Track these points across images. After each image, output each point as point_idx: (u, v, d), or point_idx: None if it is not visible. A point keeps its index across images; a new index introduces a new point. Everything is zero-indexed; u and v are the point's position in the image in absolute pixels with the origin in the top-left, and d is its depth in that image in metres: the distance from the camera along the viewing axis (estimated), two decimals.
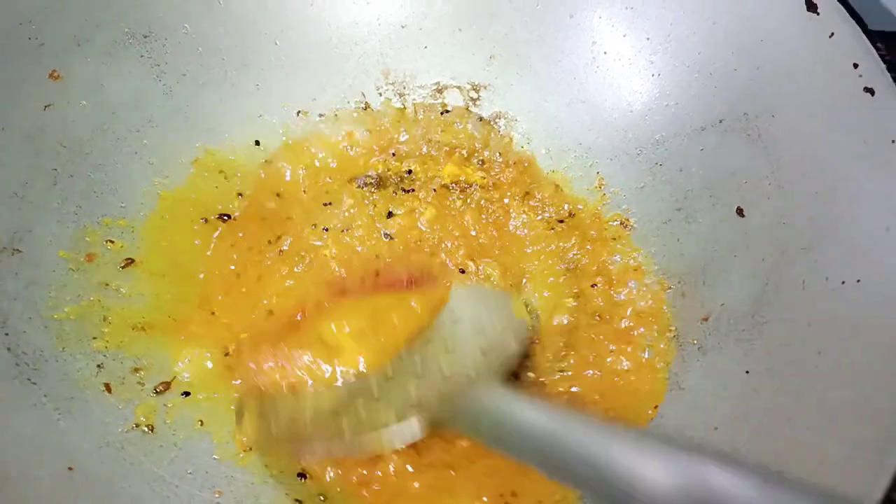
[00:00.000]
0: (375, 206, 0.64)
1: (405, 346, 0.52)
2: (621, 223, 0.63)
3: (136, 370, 0.55)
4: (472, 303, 0.56)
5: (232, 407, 0.55)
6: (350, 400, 0.50)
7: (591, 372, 0.57)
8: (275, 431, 0.51)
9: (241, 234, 0.62)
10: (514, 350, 0.54)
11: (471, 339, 0.53)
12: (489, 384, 0.49)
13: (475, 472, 0.52)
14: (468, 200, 0.65)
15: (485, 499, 0.51)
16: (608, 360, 0.57)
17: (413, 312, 0.54)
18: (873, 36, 0.49)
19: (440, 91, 0.68)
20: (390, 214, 0.64)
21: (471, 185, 0.65)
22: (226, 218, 0.63)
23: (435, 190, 0.65)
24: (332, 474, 0.52)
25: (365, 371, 0.51)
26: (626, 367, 0.56)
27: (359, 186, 0.64)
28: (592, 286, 0.61)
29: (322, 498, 0.52)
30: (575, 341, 0.59)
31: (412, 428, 0.48)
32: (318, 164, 0.66)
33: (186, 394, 0.55)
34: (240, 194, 0.64)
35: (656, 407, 0.54)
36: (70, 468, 0.48)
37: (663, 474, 0.35)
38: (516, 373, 0.57)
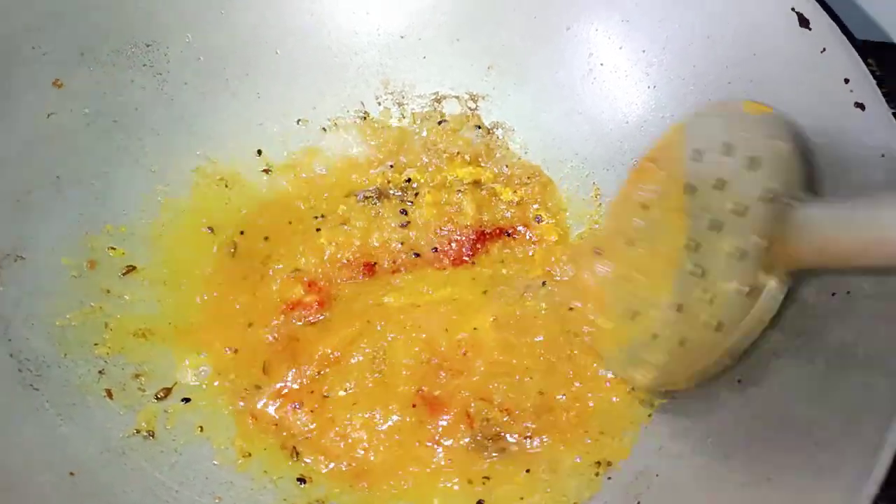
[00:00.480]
0: (378, 213, 0.65)
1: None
2: None
3: (137, 376, 0.55)
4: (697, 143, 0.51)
5: None
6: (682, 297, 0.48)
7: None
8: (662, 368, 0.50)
9: (240, 245, 0.63)
10: (786, 148, 0.47)
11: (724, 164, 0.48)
12: (793, 199, 0.44)
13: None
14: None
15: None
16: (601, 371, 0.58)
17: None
18: (864, 52, 0.50)
19: (439, 101, 0.69)
20: (404, 212, 0.65)
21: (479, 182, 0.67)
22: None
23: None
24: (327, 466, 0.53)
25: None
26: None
27: (359, 201, 0.65)
28: None
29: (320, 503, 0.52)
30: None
31: (770, 288, 0.45)
32: (317, 175, 0.67)
33: (187, 400, 0.56)
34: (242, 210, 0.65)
35: (650, 415, 0.55)
36: (72, 473, 0.48)
37: None
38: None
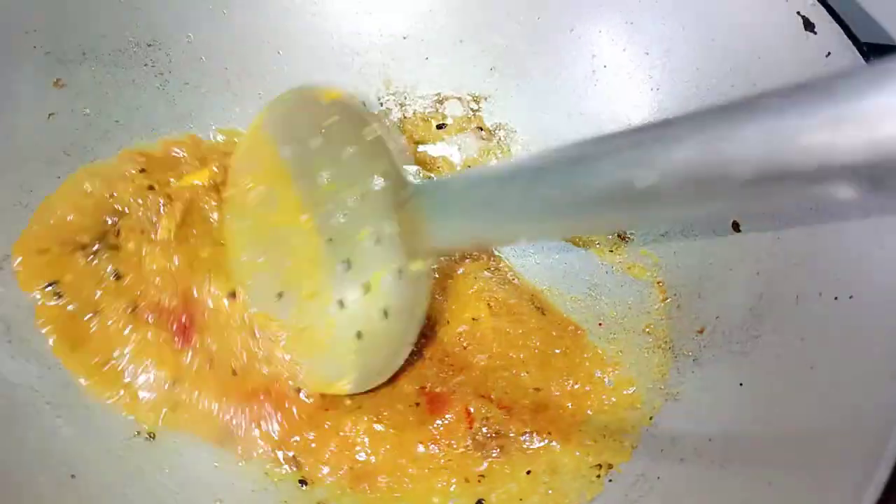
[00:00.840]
0: None
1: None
2: (619, 235, 0.63)
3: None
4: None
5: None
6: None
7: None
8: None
9: None
10: (375, 134, 0.48)
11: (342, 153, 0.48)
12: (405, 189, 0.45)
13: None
14: None
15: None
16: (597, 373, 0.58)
17: None
18: (869, 55, 0.49)
19: (441, 102, 0.69)
20: None
21: None
22: None
23: None
24: (327, 471, 0.53)
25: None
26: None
27: None
28: None
29: None
30: None
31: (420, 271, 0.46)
32: None
33: None
34: None
35: (651, 418, 0.55)
36: (72, 475, 0.48)
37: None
38: None
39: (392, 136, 0.48)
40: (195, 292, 0.55)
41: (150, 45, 0.63)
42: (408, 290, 0.47)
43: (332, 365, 0.52)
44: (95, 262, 0.55)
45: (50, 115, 0.58)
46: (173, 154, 0.61)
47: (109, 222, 0.57)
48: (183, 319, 0.55)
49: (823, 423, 0.45)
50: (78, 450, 0.50)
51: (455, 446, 0.54)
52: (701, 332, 0.56)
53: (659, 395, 0.56)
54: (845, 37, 0.50)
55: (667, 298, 0.60)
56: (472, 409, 0.56)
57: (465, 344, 0.59)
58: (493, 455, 0.54)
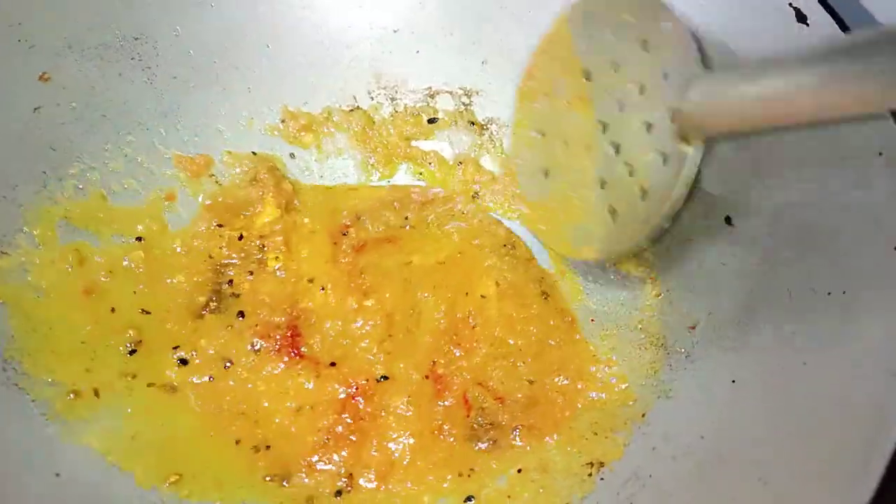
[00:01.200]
0: None
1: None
2: None
3: (125, 375, 0.55)
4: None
5: None
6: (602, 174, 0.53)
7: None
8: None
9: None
10: (670, 28, 0.50)
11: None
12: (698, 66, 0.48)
13: None
14: None
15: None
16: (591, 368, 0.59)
17: None
18: None
19: (432, 96, 0.68)
20: None
21: None
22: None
23: None
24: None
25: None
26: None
27: None
28: None
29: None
30: None
31: (686, 152, 0.48)
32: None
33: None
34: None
35: (644, 415, 0.54)
36: (57, 474, 0.48)
37: None
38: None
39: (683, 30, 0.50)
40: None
41: (136, 39, 0.62)
42: (670, 173, 0.49)
43: (582, 233, 0.56)
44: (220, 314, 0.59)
45: (36, 108, 0.57)
46: (237, 195, 0.64)
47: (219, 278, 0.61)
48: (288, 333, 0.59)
49: (816, 420, 0.45)
50: (63, 449, 0.49)
51: (454, 433, 0.55)
52: (693, 328, 0.56)
53: (651, 392, 0.55)
54: (838, 28, 0.50)
55: (659, 294, 0.59)
56: (469, 398, 0.56)
57: (473, 323, 0.60)
58: (484, 447, 0.54)
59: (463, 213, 0.66)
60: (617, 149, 0.52)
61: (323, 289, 0.61)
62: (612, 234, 0.54)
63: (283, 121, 0.67)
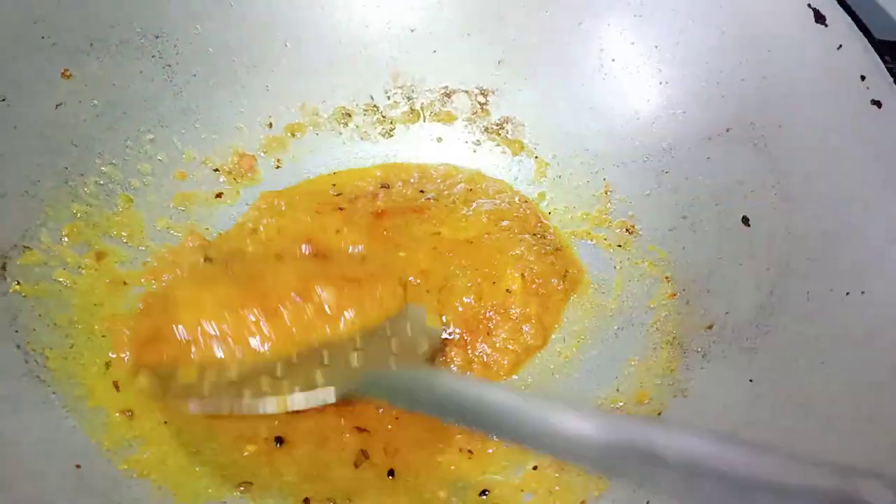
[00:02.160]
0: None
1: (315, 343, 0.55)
2: (626, 230, 0.63)
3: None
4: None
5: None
6: (252, 374, 0.52)
7: None
8: (171, 392, 0.52)
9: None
10: (423, 350, 0.55)
11: (382, 339, 0.55)
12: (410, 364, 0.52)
13: None
14: None
15: None
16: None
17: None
18: (881, 48, 0.49)
19: (448, 95, 0.69)
20: None
21: None
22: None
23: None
24: None
25: (268, 355, 0.53)
26: None
27: None
28: None
29: None
30: None
31: (324, 394, 0.51)
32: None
33: None
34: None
35: (660, 413, 0.54)
36: (78, 466, 0.48)
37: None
38: None
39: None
40: None
41: (157, 37, 0.62)
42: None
43: None
44: None
45: (58, 105, 0.58)
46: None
47: None
48: None
49: (834, 420, 0.45)
50: (83, 440, 0.50)
51: None
52: (710, 327, 0.56)
53: (667, 391, 0.55)
54: (857, 29, 0.50)
55: (675, 294, 0.59)
56: None
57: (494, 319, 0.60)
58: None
59: (488, 192, 0.66)
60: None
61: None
62: None
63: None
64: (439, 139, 0.69)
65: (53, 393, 0.51)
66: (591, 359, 0.59)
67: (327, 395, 0.51)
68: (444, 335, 0.59)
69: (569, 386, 0.58)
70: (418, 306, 0.59)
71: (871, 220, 0.48)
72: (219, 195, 0.64)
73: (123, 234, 0.60)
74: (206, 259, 0.61)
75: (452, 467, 0.54)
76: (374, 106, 0.69)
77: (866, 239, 0.48)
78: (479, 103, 0.68)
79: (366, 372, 0.52)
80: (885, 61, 0.49)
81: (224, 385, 0.52)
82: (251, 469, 0.52)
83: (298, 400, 0.51)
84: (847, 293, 0.48)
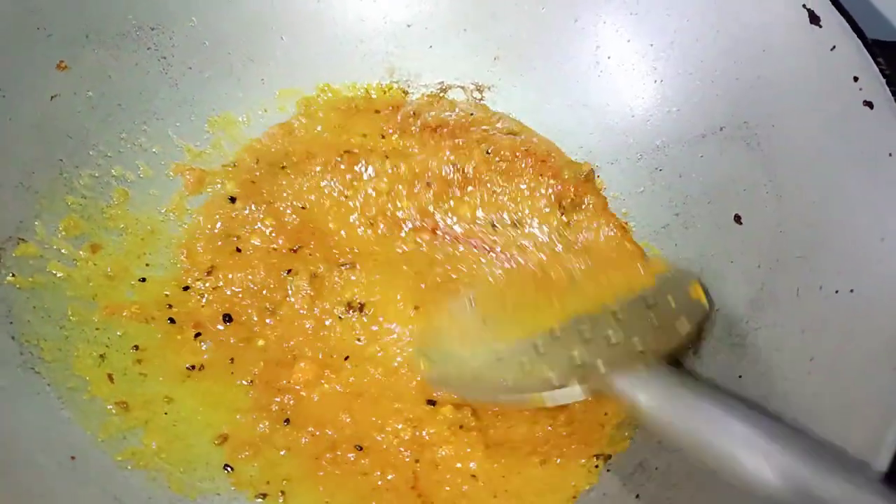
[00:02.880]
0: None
1: (576, 313, 0.55)
2: (621, 227, 0.63)
3: (139, 361, 0.55)
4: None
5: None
6: (515, 354, 0.54)
7: None
8: (445, 373, 0.56)
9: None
10: (687, 330, 0.54)
11: (643, 312, 0.54)
12: (652, 362, 0.51)
13: None
14: None
15: None
16: None
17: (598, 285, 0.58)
18: (874, 50, 0.49)
19: (444, 91, 0.69)
20: None
21: None
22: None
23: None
24: None
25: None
26: None
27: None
28: None
29: None
30: None
31: (573, 392, 0.51)
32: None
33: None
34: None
35: None
36: (73, 457, 0.48)
37: (776, 475, 0.41)
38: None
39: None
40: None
41: (153, 29, 0.62)
42: (542, 390, 0.52)
43: (449, 359, 0.57)
44: None
45: (53, 97, 0.58)
46: None
47: None
48: None
49: (822, 415, 0.45)
50: (78, 432, 0.50)
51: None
52: None
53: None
54: (851, 31, 0.50)
55: None
56: None
57: None
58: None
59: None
60: (541, 353, 0.54)
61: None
62: (468, 383, 0.56)
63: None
64: None
65: (48, 384, 0.51)
66: None
67: (575, 393, 0.51)
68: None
69: None
70: (682, 271, 0.58)
71: (861, 219, 0.49)
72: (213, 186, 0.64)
73: (120, 226, 0.60)
74: None
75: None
76: (372, 97, 0.69)
77: (856, 237, 0.49)
78: (475, 99, 0.69)
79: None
80: (877, 62, 0.49)
81: (490, 364, 0.54)
82: None
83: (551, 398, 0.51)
84: (836, 291, 0.48)
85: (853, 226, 0.49)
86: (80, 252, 0.57)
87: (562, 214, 0.63)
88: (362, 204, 0.64)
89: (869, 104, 0.49)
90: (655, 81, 0.63)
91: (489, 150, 0.64)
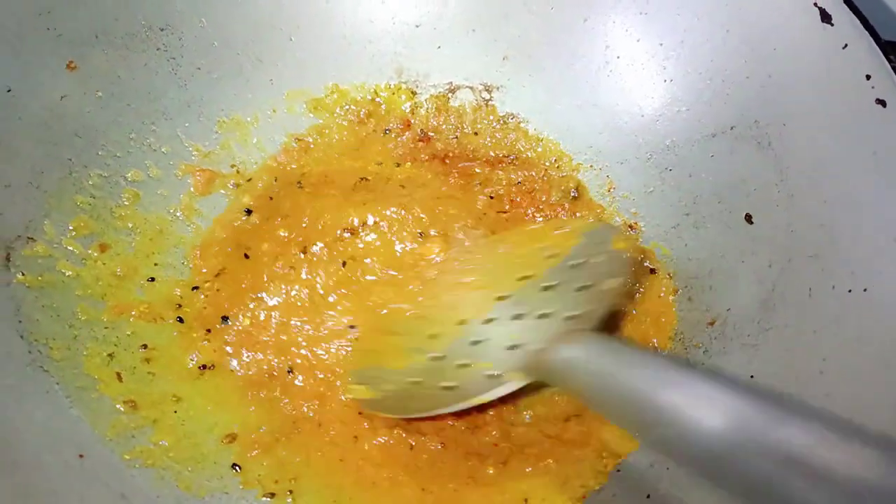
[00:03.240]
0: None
1: (500, 296, 0.53)
2: (630, 227, 0.63)
3: (147, 360, 0.55)
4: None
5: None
6: (453, 353, 0.52)
7: None
8: (380, 398, 0.54)
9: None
10: (612, 286, 0.53)
11: (571, 276, 0.53)
12: (586, 327, 0.49)
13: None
14: None
15: None
16: None
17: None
18: (886, 48, 0.49)
19: (453, 91, 0.69)
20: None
21: None
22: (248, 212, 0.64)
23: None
24: None
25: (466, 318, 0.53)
26: None
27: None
28: None
29: None
30: None
31: (510, 386, 0.50)
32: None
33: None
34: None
35: None
36: (81, 455, 0.48)
37: (723, 420, 0.37)
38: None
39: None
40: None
41: (162, 30, 0.62)
42: (487, 387, 0.50)
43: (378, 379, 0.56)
44: None
45: (62, 97, 0.58)
46: None
47: None
48: None
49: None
50: (86, 430, 0.50)
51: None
52: (712, 324, 0.56)
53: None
54: (863, 28, 0.50)
55: (678, 290, 0.60)
56: None
57: None
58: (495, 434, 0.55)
59: None
60: (476, 343, 0.52)
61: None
62: (399, 398, 0.55)
63: None
64: None
65: (57, 383, 0.51)
66: None
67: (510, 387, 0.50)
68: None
69: None
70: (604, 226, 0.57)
71: (873, 219, 0.48)
72: (221, 186, 0.65)
73: (129, 226, 0.60)
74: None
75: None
76: (378, 101, 0.69)
77: (868, 237, 0.48)
78: (484, 99, 0.69)
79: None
80: (890, 61, 0.49)
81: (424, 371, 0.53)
82: None
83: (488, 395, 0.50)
84: (849, 290, 0.48)
85: (865, 225, 0.49)
86: (90, 251, 0.57)
87: None
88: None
89: (882, 102, 0.48)
90: (665, 81, 0.63)
91: (492, 196, 0.65)
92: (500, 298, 0.53)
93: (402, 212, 0.62)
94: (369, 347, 0.58)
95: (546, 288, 0.52)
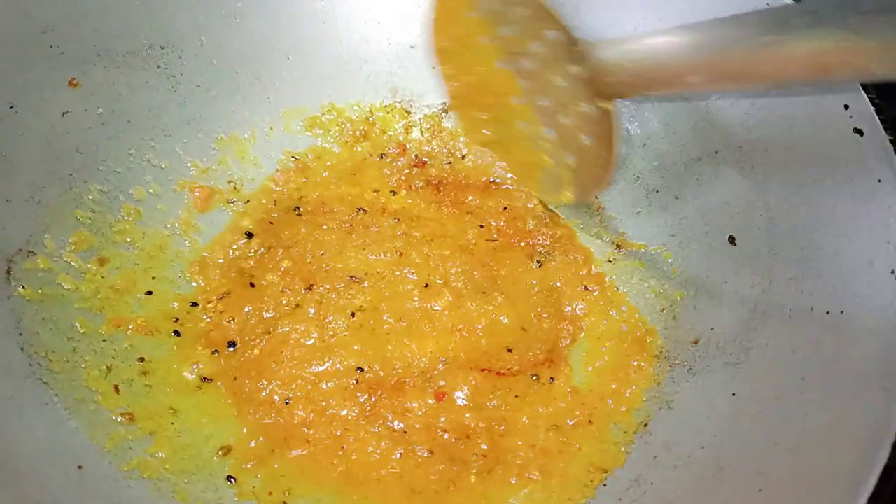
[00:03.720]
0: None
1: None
2: (616, 246, 0.65)
3: (144, 373, 0.56)
4: None
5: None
6: None
7: None
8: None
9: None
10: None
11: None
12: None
13: None
14: None
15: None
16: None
17: None
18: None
19: (446, 111, 0.70)
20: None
21: None
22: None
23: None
24: None
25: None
26: None
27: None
28: None
29: None
30: None
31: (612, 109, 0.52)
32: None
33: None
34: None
35: (646, 425, 0.56)
36: (79, 467, 0.49)
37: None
38: None
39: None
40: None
41: (163, 48, 0.64)
42: (603, 120, 0.53)
43: (552, 179, 0.62)
44: None
45: (64, 113, 0.59)
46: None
47: None
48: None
49: (813, 433, 0.46)
50: (85, 442, 0.51)
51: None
52: (696, 342, 0.57)
53: (654, 403, 0.57)
54: None
55: (663, 309, 0.61)
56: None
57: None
58: (483, 448, 0.56)
59: None
60: (548, 101, 0.56)
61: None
62: (579, 178, 0.59)
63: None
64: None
65: (56, 395, 0.52)
66: None
67: None
68: None
69: None
70: None
71: (851, 243, 0.50)
72: (220, 203, 0.66)
73: (127, 240, 0.61)
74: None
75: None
76: (373, 121, 0.70)
77: (846, 260, 0.50)
78: None
79: None
80: (867, 92, 0.51)
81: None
82: None
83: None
84: (827, 312, 0.49)
85: (843, 249, 0.50)
86: (89, 265, 0.58)
87: (539, 266, 0.65)
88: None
89: (859, 131, 0.50)
90: (653, 104, 0.64)
91: (482, 225, 0.67)
92: None
93: (400, 261, 0.64)
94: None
95: None
